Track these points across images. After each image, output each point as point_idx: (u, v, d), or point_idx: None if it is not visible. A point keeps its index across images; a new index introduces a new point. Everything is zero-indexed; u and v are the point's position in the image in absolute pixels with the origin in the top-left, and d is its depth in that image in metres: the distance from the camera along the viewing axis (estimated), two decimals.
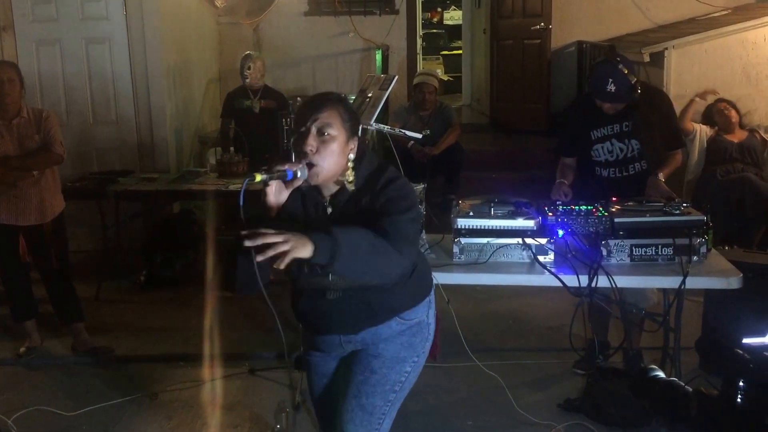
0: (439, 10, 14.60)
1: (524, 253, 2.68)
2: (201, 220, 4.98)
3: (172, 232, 4.92)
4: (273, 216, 1.71)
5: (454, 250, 2.69)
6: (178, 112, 5.69)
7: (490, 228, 2.69)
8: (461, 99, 8.87)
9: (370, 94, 3.07)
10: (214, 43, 6.59)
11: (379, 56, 6.28)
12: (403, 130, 3.74)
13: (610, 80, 2.93)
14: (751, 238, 4.50)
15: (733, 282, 2.56)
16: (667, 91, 5.17)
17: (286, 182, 1.71)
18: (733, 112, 4.76)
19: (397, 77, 3.13)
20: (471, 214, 2.74)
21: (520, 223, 2.69)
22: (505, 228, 2.69)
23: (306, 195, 1.83)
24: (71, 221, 4.05)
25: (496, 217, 2.72)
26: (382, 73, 5.97)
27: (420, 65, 7.77)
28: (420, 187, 2.93)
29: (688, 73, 5.20)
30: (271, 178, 1.67)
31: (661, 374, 2.79)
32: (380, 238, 1.68)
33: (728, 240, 3.95)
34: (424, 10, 11.29)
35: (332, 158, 1.76)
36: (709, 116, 4.86)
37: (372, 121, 3.08)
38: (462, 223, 2.70)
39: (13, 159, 3.48)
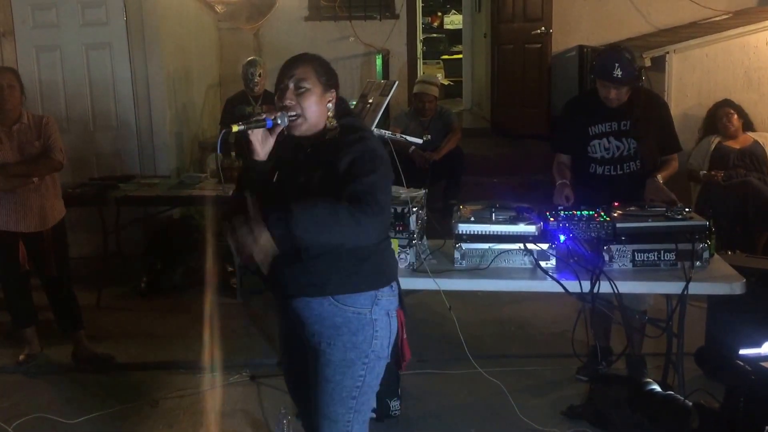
0: (440, 14, 14.63)
1: (526, 258, 2.67)
2: (201, 225, 4.97)
3: (172, 238, 4.91)
4: (262, 160, 1.90)
5: (456, 256, 2.68)
6: (179, 118, 5.69)
7: (492, 233, 2.68)
8: (462, 103, 8.88)
9: (370, 100, 3.07)
10: (214, 48, 6.59)
11: (379, 61, 6.28)
12: (404, 136, 3.73)
13: (617, 65, 2.97)
14: (754, 243, 4.48)
15: (736, 287, 2.55)
16: (669, 96, 5.18)
17: (270, 130, 1.89)
18: (735, 119, 4.72)
19: (397, 83, 3.12)
20: (472, 219, 2.72)
21: (522, 228, 2.68)
22: (507, 233, 2.68)
23: (286, 140, 1.96)
24: (71, 227, 4.04)
25: (498, 222, 2.71)
26: (383, 78, 5.97)
27: (420, 70, 7.76)
28: (421, 192, 2.92)
29: (689, 78, 5.20)
30: (249, 128, 1.86)
31: (657, 387, 2.78)
32: (339, 205, 1.74)
33: (731, 245, 3.93)
34: (424, 15, 11.31)
35: (311, 110, 1.91)
36: (712, 122, 4.81)
37: (373, 127, 3.07)
38: (463, 228, 2.69)
39: (13, 165, 3.47)
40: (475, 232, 2.68)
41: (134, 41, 5.24)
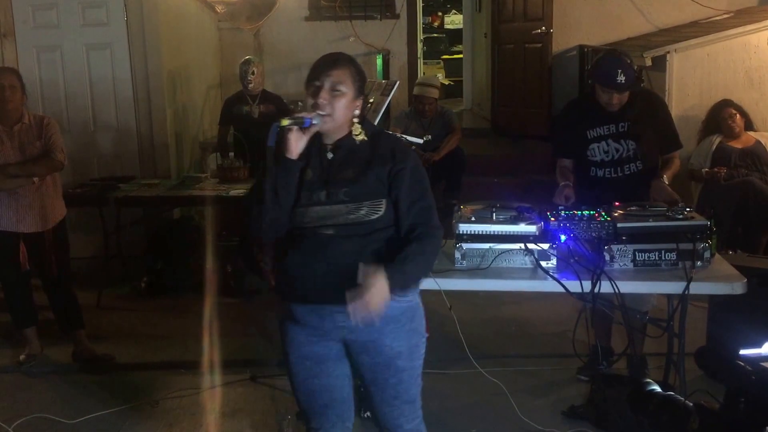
0: (440, 14, 14.60)
1: (526, 258, 2.66)
2: (201, 226, 4.97)
3: (172, 239, 4.90)
4: (295, 159, 1.92)
5: (456, 256, 2.67)
6: (179, 118, 5.69)
7: (492, 233, 2.67)
8: (462, 103, 8.87)
9: (371, 100, 3.07)
10: (214, 48, 6.59)
11: (379, 61, 6.28)
12: (405, 136, 3.72)
13: (619, 71, 2.99)
14: (755, 242, 4.47)
15: (737, 287, 2.54)
16: (670, 95, 5.17)
17: (303, 129, 1.92)
18: (738, 119, 4.71)
19: (398, 82, 3.12)
20: (473, 219, 2.72)
21: (523, 228, 2.67)
22: (508, 233, 2.67)
23: (311, 142, 1.98)
24: (72, 228, 4.04)
25: (498, 222, 2.70)
26: (383, 78, 5.96)
27: (421, 70, 7.76)
28: None
29: (690, 77, 5.19)
30: (294, 123, 1.90)
31: (658, 388, 2.77)
32: (426, 239, 1.94)
33: (732, 245, 3.92)
34: (424, 15, 11.30)
35: (340, 111, 1.94)
36: (713, 122, 4.79)
37: None
38: (464, 228, 2.69)
39: (14, 165, 3.47)
40: (476, 232, 2.67)
41: (135, 41, 5.24)
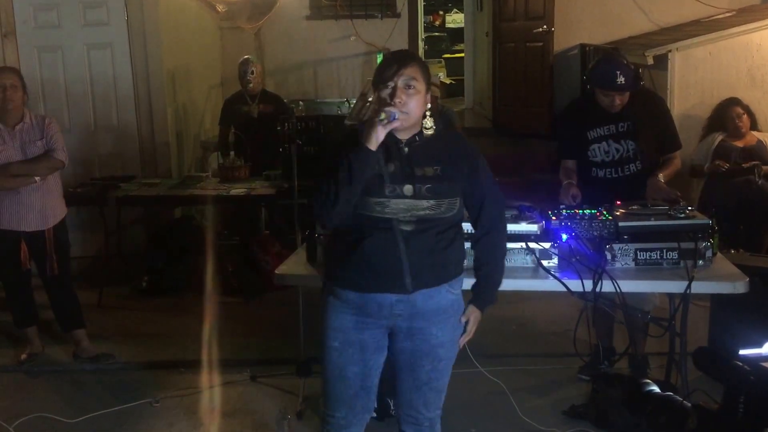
0: (441, 13, 14.58)
1: (528, 257, 2.66)
2: (202, 225, 4.97)
3: (173, 238, 4.90)
4: (374, 150, 1.97)
5: None
6: (180, 117, 5.69)
7: None
8: (463, 102, 8.85)
9: (370, 99, 3.06)
10: (215, 48, 6.59)
11: (380, 60, 6.26)
12: None
13: (619, 72, 2.99)
14: (757, 241, 4.46)
15: (739, 286, 2.53)
16: (672, 94, 5.15)
17: (385, 124, 1.97)
18: (746, 119, 4.68)
19: None
20: None
21: (524, 227, 2.67)
22: (509, 232, 2.64)
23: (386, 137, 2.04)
24: (73, 227, 4.04)
25: None
26: None
27: None
28: None
29: (692, 76, 5.17)
30: (386, 117, 1.96)
31: (656, 388, 2.76)
32: (500, 235, 2.17)
33: (734, 244, 3.91)
34: (425, 13, 11.28)
35: (416, 109, 2.00)
36: (719, 119, 4.76)
37: None
38: (465, 227, 2.66)
39: (16, 165, 3.48)
40: None
41: (135, 41, 5.23)
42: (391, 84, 1.98)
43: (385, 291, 2.02)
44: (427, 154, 2.03)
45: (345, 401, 2.13)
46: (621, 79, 2.98)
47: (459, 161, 2.06)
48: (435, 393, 2.16)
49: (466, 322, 2.16)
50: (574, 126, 3.22)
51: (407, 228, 1.99)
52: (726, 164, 4.53)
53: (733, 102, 4.74)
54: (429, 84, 2.05)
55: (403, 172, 2.00)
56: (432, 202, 1.99)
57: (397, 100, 1.96)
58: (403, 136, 2.04)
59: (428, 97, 2.04)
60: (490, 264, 2.15)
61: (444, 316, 2.09)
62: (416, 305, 2.04)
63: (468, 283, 2.17)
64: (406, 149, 2.03)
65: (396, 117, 1.95)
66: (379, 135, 1.94)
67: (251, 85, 5.03)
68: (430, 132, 2.05)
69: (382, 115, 1.93)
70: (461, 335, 2.16)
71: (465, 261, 2.15)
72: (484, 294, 2.17)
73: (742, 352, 2.67)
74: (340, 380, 2.11)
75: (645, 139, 3.12)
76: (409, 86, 1.98)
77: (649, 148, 3.14)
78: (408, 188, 1.98)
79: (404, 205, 1.98)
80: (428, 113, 2.04)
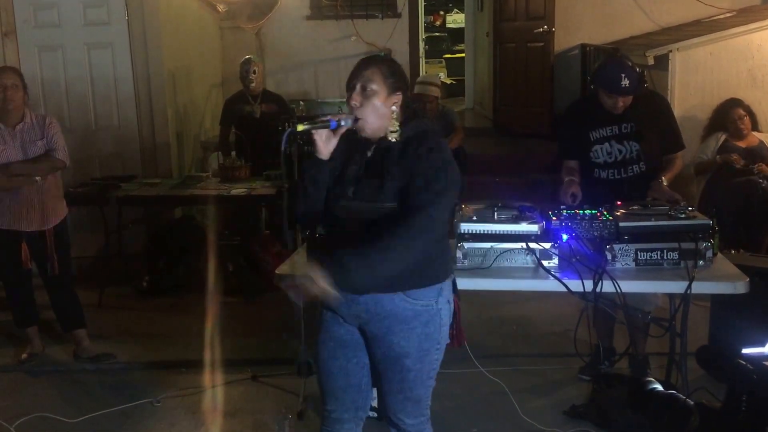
0: (442, 13, 14.61)
1: (528, 257, 2.66)
2: (203, 225, 4.97)
3: (174, 238, 4.91)
4: (325, 159, 2.00)
5: (458, 255, 2.67)
6: (180, 117, 5.69)
7: (494, 232, 2.67)
8: (464, 102, 8.86)
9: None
10: (216, 47, 6.59)
11: None
12: None
13: (623, 75, 2.99)
14: (757, 241, 4.46)
15: (739, 287, 2.53)
16: (672, 94, 5.16)
17: (334, 131, 1.98)
18: (747, 120, 4.68)
19: None
20: (474, 218, 2.71)
21: (524, 227, 2.66)
22: (509, 232, 2.66)
23: (354, 142, 2.05)
24: (73, 227, 4.04)
25: (500, 221, 2.69)
26: None
27: (422, 69, 7.75)
28: None
29: (693, 76, 5.17)
30: (313, 128, 1.96)
31: (659, 387, 2.76)
32: (387, 237, 1.88)
33: (734, 244, 3.91)
34: (426, 14, 11.30)
35: (375, 111, 1.98)
36: (720, 120, 4.75)
37: None
38: (465, 227, 2.68)
39: (17, 165, 3.48)
40: (478, 232, 2.67)
41: (136, 41, 5.24)
42: (350, 86, 2.00)
43: (344, 289, 1.97)
44: (384, 158, 1.99)
45: (332, 393, 2.15)
46: (625, 82, 2.98)
47: (414, 171, 1.93)
48: (412, 403, 2.13)
49: (442, 334, 2.09)
50: (576, 126, 3.21)
51: (356, 230, 1.98)
52: (741, 160, 4.52)
53: (734, 103, 4.73)
54: (395, 87, 2.01)
55: (355, 175, 2.01)
56: (375, 205, 1.95)
57: (353, 103, 1.98)
58: (373, 139, 2.02)
59: (394, 98, 2.00)
60: (358, 254, 1.91)
61: (406, 326, 2.02)
62: (368, 308, 2.02)
63: (464, 285, 2.16)
64: (369, 153, 2.03)
65: (337, 124, 1.95)
66: (324, 143, 1.97)
67: (253, 84, 5.04)
68: (394, 137, 1.99)
69: (300, 127, 1.94)
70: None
71: (450, 272, 2.10)
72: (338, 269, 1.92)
73: (744, 351, 2.67)
74: (324, 373, 2.15)
75: (648, 140, 3.11)
76: (365, 89, 1.97)
77: (653, 149, 3.12)
78: (351, 190, 1.99)
79: (349, 206, 2.00)
80: (394, 117, 1.99)
